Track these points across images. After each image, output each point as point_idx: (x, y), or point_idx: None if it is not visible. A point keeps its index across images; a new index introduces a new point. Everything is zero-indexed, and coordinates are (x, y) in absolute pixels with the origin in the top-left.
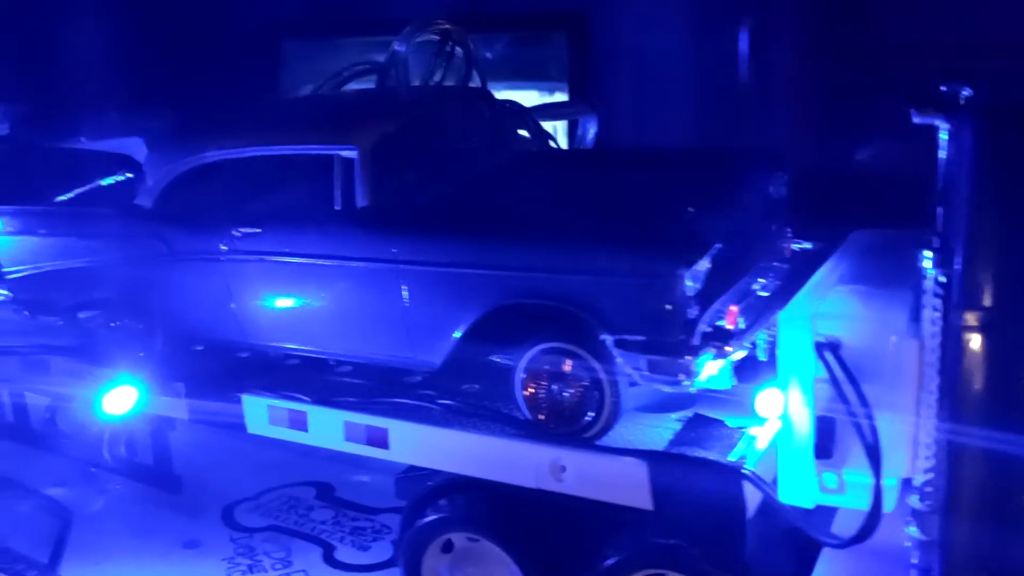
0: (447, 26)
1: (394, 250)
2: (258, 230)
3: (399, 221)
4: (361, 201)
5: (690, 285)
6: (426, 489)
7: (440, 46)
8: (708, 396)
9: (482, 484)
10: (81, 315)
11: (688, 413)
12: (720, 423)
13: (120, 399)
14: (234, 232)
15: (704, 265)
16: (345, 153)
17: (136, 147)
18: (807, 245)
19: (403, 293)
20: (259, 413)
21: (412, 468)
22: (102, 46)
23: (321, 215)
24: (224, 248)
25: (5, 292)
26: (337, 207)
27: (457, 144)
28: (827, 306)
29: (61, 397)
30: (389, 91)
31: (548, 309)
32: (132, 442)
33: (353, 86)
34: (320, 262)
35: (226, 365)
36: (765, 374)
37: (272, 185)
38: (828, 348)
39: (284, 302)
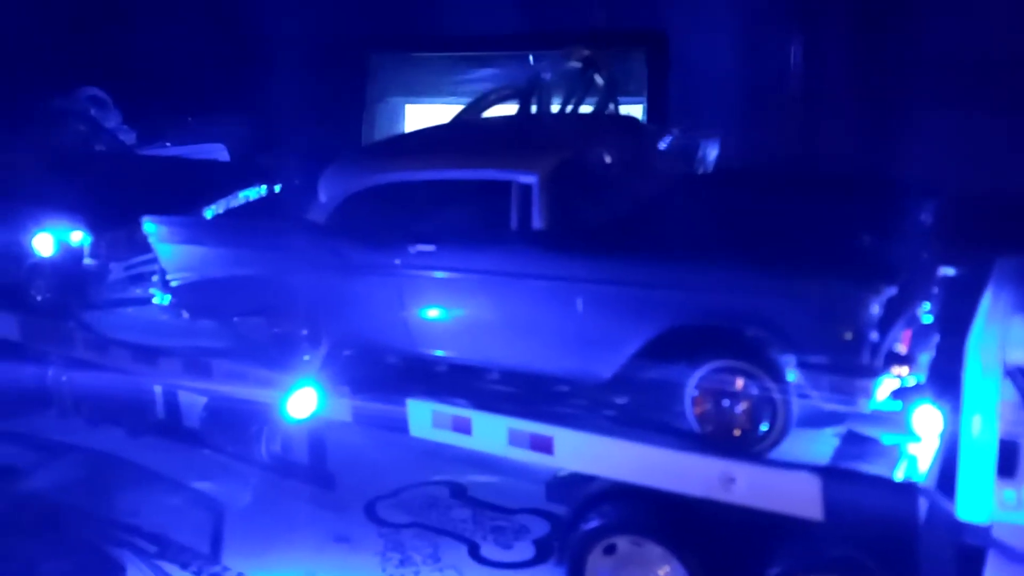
0: (589, 53)
1: (574, 270)
2: (433, 247)
3: (578, 242)
4: (537, 223)
5: (878, 309)
6: (589, 494)
7: (582, 72)
8: (858, 413)
9: (648, 490)
10: (245, 321)
11: (842, 429)
12: (875, 440)
13: (302, 402)
14: (410, 249)
15: (891, 290)
16: (524, 179)
17: (218, 152)
18: (951, 271)
19: (580, 310)
20: (423, 417)
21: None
22: (188, 53)
23: (497, 235)
24: (399, 263)
25: (167, 297)
26: (513, 228)
27: (622, 168)
28: (1014, 333)
29: (224, 397)
30: (559, 118)
31: (724, 328)
32: (288, 440)
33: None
34: (495, 278)
35: (388, 370)
36: (917, 393)
37: (446, 205)
38: (1019, 374)
39: (456, 314)
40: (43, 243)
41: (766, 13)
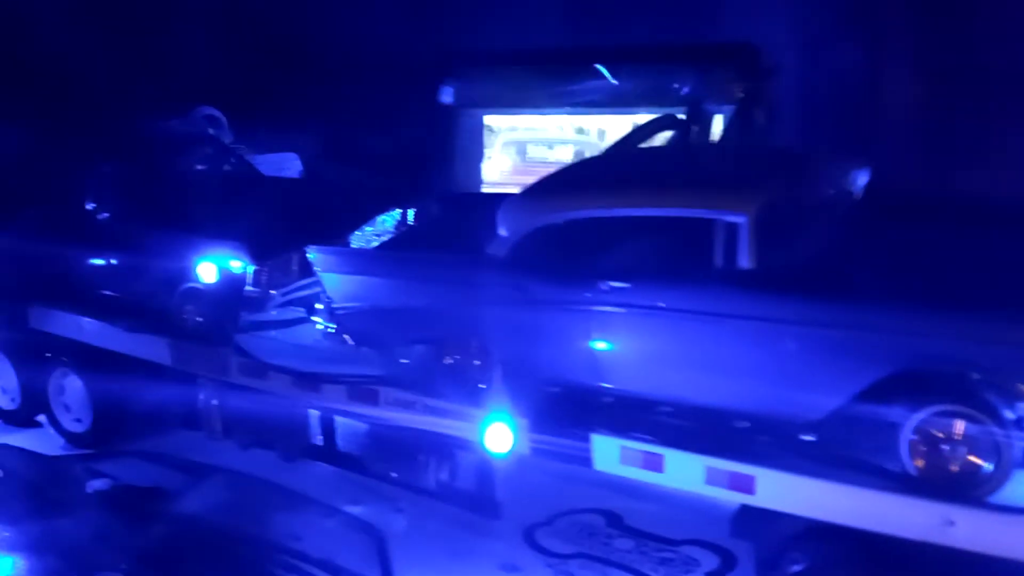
0: (750, 85)
1: (787, 312)
2: (627, 284)
3: (789, 283)
4: (743, 262)
5: None
6: (794, 533)
7: (744, 105)
8: None
9: (857, 532)
10: (413, 350)
11: None
12: None
13: (499, 437)
14: (601, 285)
15: None
16: (732, 218)
17: (291, 162)
18: None
19: (793, 352)
20: (610, 452)
21: (747, 507)
22: (261, 63)
23: (699, 273)
24: (590, 299)
25: (332, 325)
26: (717, 266)
27: (821, 203)
28: None
29: (390, 424)
30: (753, 151)
31: (947, 372)
32: (455, 468)
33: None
34: (696, 317)
35: (567, 404)
36: None
37: (640, 240)
38: None
39: (650, 351)
40: (207, 271)
41: (854, 25)
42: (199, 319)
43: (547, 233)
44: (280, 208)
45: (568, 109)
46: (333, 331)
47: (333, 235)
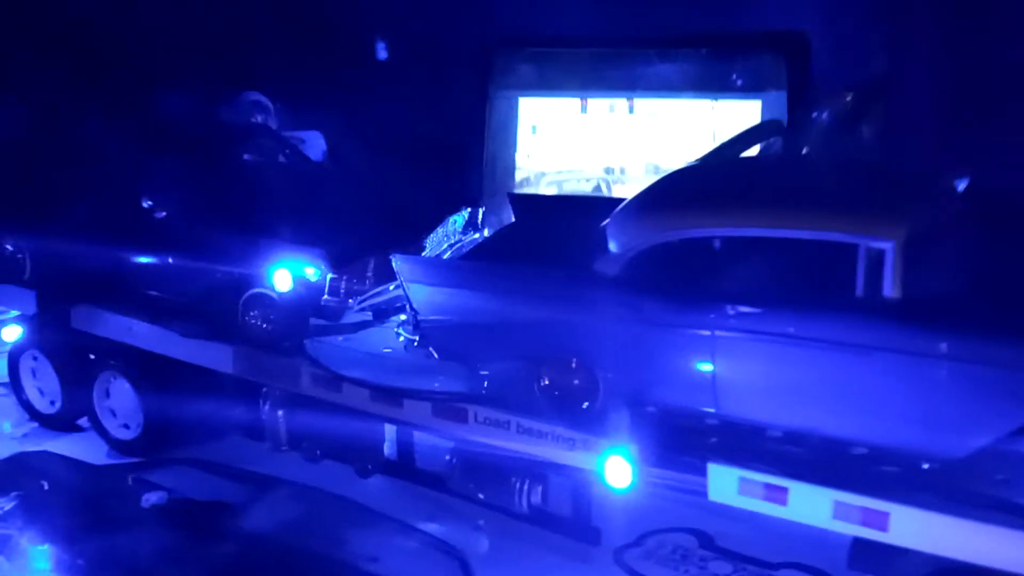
0: (853, 95)
1: (938, 345)
2: (756, 309)
3: (940, 315)
4: (889, 291)
5: None
6: (923, 572)
7: (854, 109)
8: None
9: (997, 572)
10: (505, 367)
11: None
12: None
13: (618, 471)
14: (727, 309)
15: None
16: (877, 244)
17: (315, 140)
18: None
19: (942, 386)
20: (727, 483)
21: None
22: (287, 39)
23: (837, 301)
24: (711, 323)
25: (416, 336)
26: (859, 294)
27: (959, 226)
28: None
29: (478, 444)
30: (885, 169)
31: None
32: (548, 491)
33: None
34: (832, 346)
35: (676, 430)
36: None
37: (769, 262)
38: None
39: (775, 380)
40: (281, 279)
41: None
42: (266, 326)
43: (665, 250)
44: (352, 207)
45: (613, 93)
46: (417, 343)
47: (408, 237)
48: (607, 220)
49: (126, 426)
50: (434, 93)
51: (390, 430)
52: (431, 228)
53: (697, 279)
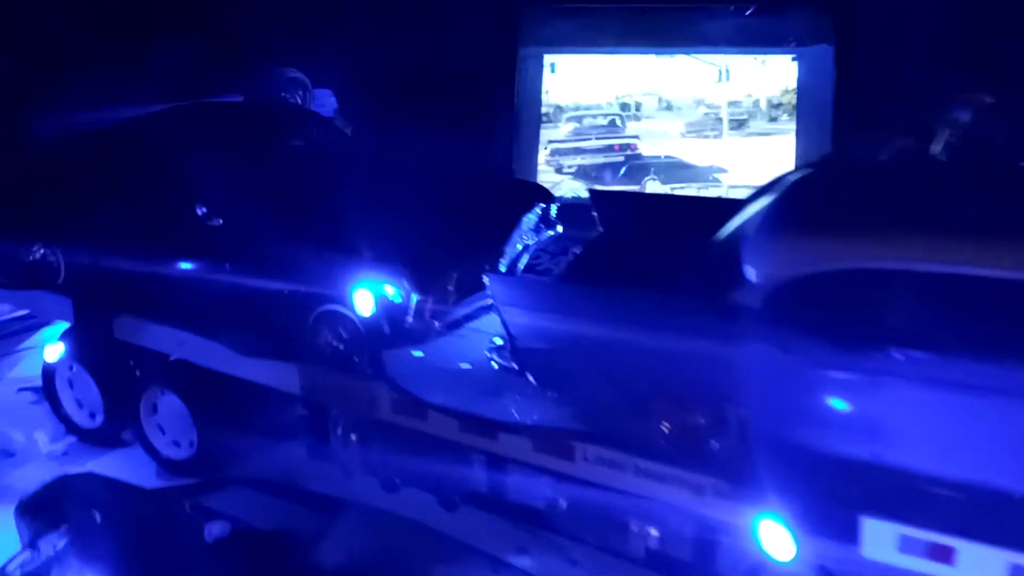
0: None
1: None
2: (933, 355)
3: None
4: None
5: None
6: None
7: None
8: None
9: None
10: (610, 400)
11: None
12: None
13: (776, 537)
14: (895, 353)
15: None
16: None
17: (325, 99)
18: None
19: None
20: (885, 539)
21: None
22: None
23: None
24: (876, 366)
25: (513, 365)
26: None
27: None
28: None
29: (587, 483)
30: None
31: None
32: (668, 534)
33: None
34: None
35: (821, 478)
36: None
37: (949, 300)
38: None
39: (948, 432)
40: (363, 301)
41: None
42: (341, 347)
43: (821, 282)
44: (428, 213)
45: (645, 50)
46: (514, 371)
47: (490, 246)
48: (751, 246)
49: (176, 444)
50: (459, 52)
51: (481, 459)
52: (503, 225)
53: (859, 316)
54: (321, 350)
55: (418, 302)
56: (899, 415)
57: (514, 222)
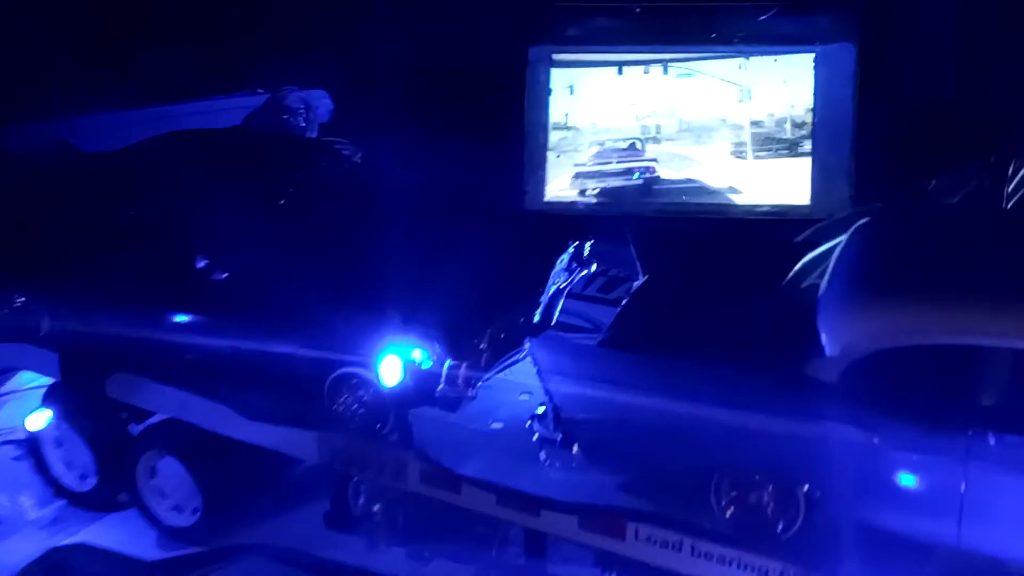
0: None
1: None
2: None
3: None
4: None
5: None
6: None
7: None
8: None
9: None
10: (678, 478)
11: None
12: None
13: None
14: (986, 436)
15: None
16: None
17: (320, 99)
18: None
19: None
20: None
21: None
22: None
23: None
24: (965, 449)
25: (556, 435)
26: None
27: None
28: None
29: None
30: None
31: None
32: None
33: None
34: None
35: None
36: None
37: None
38: None
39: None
40: (390, 370)
41: None
42: (362, 412)
43: (905, 356)
44: (454, 260)
45: (666, 49)
46: (557, 443)
47: (524, 293)
48: (819, 308)
49: (178, 509)
50: (467, 53)
51: (520, 533)
52: (536, 268)
53: (946, 393)
54: (339, 416)
55: (450, 368)
56: (990, 499)
57: (548, 264)
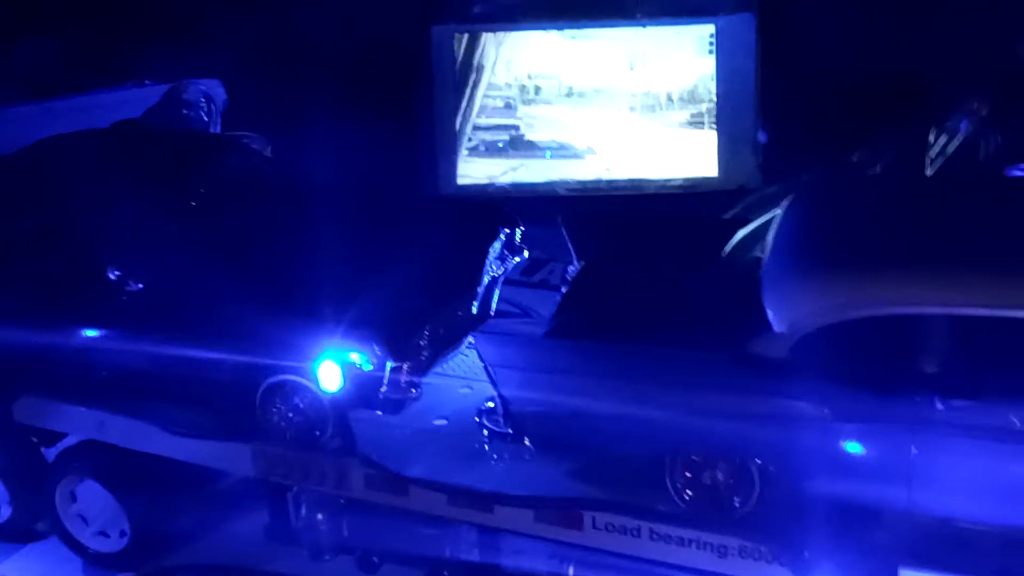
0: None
1: None
2: (975, 403)
3: None
4: None
5: None
6: None
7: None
8: None
9: None
10: (629, 463)
11: None
12: None
13: None
14: (936, 403)
15: None
16: None
17: (213, 89)
18: None
19: None
20: None
21: None
22: None
23: None
24: (915, 415)
25: (507, 430)
26: None
27: None
28: None
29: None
30: None
31: None
32: None
33: None
34: None
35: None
36: None
37: (990, 345)
38: None
39: (995, 478)
40: (329, 375)
41: None
42: (299, 422)
43: (853, 329)
44: (385, 255)
45: (567, 24)
46: (509, 436)
47: (459, 286)
48: (771, 290)
49: (103, 534)
50: (369, 32)
51: (471, 531)
52: (470, 260)
53: (893, 363)
54: (273, 426)
55: (393, 369)
56: (940, 465)
57: (481, 254)
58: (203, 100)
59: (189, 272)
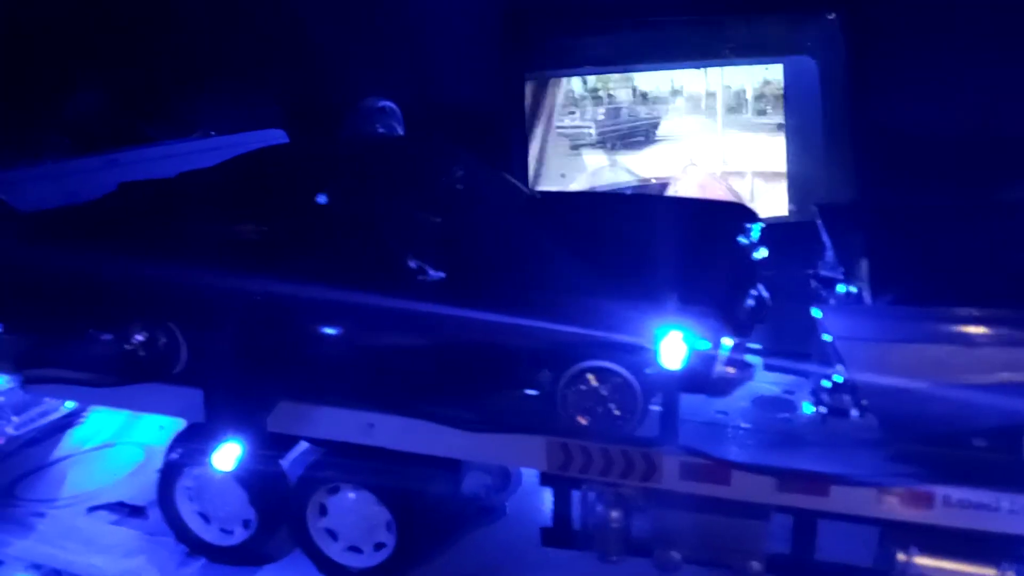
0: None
1: None
2: None
3: None
4: None
5: None
6: None
7: None
8: None
9: None
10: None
11: None
12: None
13: None
14: None
15: None
16: None
17: (277, 140)
18: None
19: None
20: None
21: None
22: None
23: None
24: None
25: (854, 409)
26: None
27: None
28: None
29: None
30: None
31: None
32: None
33: None
34: None
35: None
36: None
37: None
38: None
39: None
40: (672, 351)
41: None
42: (608, 407)
43: None
44: (675, 250)
45: (647, 66)
46: (855, 415)
47: (735, 275)
48: None
49: (355, 549)
50: (466, 83)
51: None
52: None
53: None
54: (578, 415)
55: (733, 347)
56: None
57: (742, 246)
58: (390, 116)
59: (493, 262)
